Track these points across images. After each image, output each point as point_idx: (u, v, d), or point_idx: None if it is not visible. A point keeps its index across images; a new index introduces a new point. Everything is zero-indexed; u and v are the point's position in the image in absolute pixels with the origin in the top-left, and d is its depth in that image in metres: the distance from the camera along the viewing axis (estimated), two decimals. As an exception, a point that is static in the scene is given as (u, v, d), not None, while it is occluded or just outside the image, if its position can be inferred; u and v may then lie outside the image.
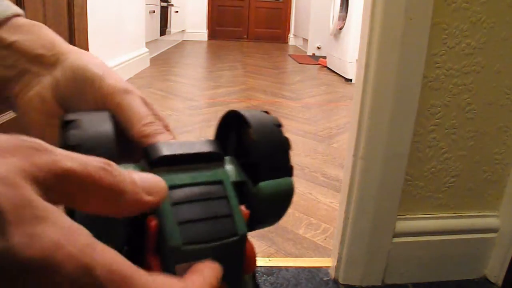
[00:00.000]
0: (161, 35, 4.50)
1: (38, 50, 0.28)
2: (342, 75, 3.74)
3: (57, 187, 0.15)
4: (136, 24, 3.25)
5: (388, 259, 0.94)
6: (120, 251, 0.20)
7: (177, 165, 0.21)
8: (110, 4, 2.58)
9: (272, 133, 0.25)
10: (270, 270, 0.97)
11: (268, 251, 1.07)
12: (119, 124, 0.25)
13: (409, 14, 0.78)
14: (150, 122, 0.25)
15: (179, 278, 0.18)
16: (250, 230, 0.23)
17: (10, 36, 0.28)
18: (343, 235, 0.93)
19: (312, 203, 1.34)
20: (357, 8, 3.42)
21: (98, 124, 0.22)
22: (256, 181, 0.24)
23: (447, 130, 0.89)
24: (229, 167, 0.24)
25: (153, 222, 0.20)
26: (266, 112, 0.26)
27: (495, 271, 0.98)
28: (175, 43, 5.71)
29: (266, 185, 0.24)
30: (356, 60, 1.70)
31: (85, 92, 0.27)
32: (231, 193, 0.22)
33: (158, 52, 4.56)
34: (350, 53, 3.53)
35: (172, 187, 0.20)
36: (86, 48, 1.61)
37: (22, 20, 0.29)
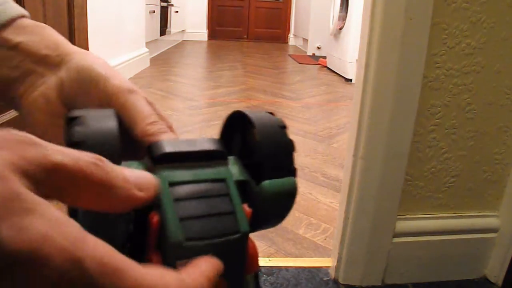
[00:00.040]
0: (161, 35, 4.50)
1: (42, 51, 0.28)
2: (342, 75, 3.74)
3: (48, 181, 0.15)
4: (136, 24, 3.25)
5: (388, 259, 0.94)
6: (123, 248, 0.21)
7: (180, 162, 0.21)
8: (110, 4, 2.58)
9: (276, 134, 0.25)
10: (270, 270, 0.97)
11: (268, 251, 1.07)
12: (124, 123, 0.25)
13: (409, 14, 0.78)
14: (154, 121, 0.25)
15: (175, 270, 0.18)
16: (253, 231, 0.23)
17: (15, 37, 0.28)
18: (343, 235, 0.93)
19: (312, 203, 1.34)
20: (357, 8, 3.42)
21: (103, 121, 0.22)
22: (259, 180, 0.24)
23: (447, 130, 0.89)
24: (233, 167, 0.24)
25: (155, 218, 0.20)
26: (271, 113, 0.26)
27: (495, 271, 0.98)
28: (175, 43, 5.71)
29: (269, 184, 0.24)
30: (356, 60, 1.70)
31: (89, 92, 0.27)
32: (234, 191, 0.22)
33: (158, 52, 4.56)
34: (350, 53, 3.53)
35: (174, 184, 0.20)
36: (86, 48, 1.61)
37: (27, 21, 0.29)
